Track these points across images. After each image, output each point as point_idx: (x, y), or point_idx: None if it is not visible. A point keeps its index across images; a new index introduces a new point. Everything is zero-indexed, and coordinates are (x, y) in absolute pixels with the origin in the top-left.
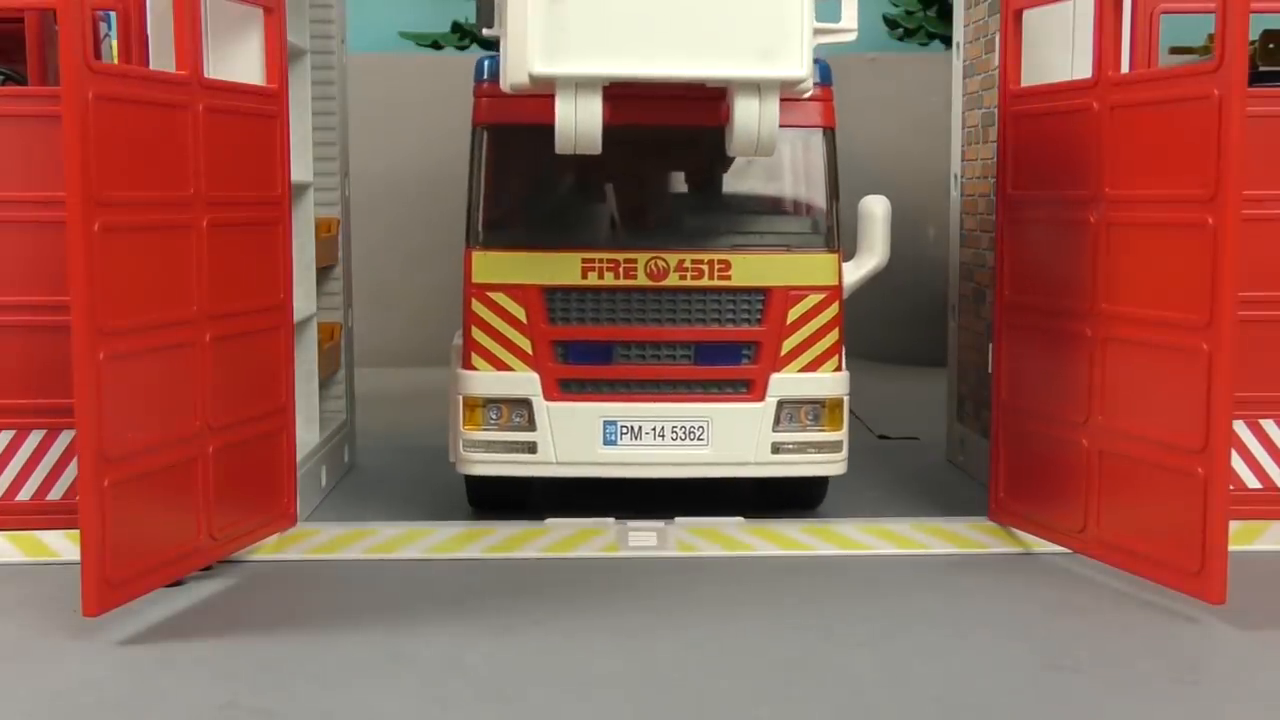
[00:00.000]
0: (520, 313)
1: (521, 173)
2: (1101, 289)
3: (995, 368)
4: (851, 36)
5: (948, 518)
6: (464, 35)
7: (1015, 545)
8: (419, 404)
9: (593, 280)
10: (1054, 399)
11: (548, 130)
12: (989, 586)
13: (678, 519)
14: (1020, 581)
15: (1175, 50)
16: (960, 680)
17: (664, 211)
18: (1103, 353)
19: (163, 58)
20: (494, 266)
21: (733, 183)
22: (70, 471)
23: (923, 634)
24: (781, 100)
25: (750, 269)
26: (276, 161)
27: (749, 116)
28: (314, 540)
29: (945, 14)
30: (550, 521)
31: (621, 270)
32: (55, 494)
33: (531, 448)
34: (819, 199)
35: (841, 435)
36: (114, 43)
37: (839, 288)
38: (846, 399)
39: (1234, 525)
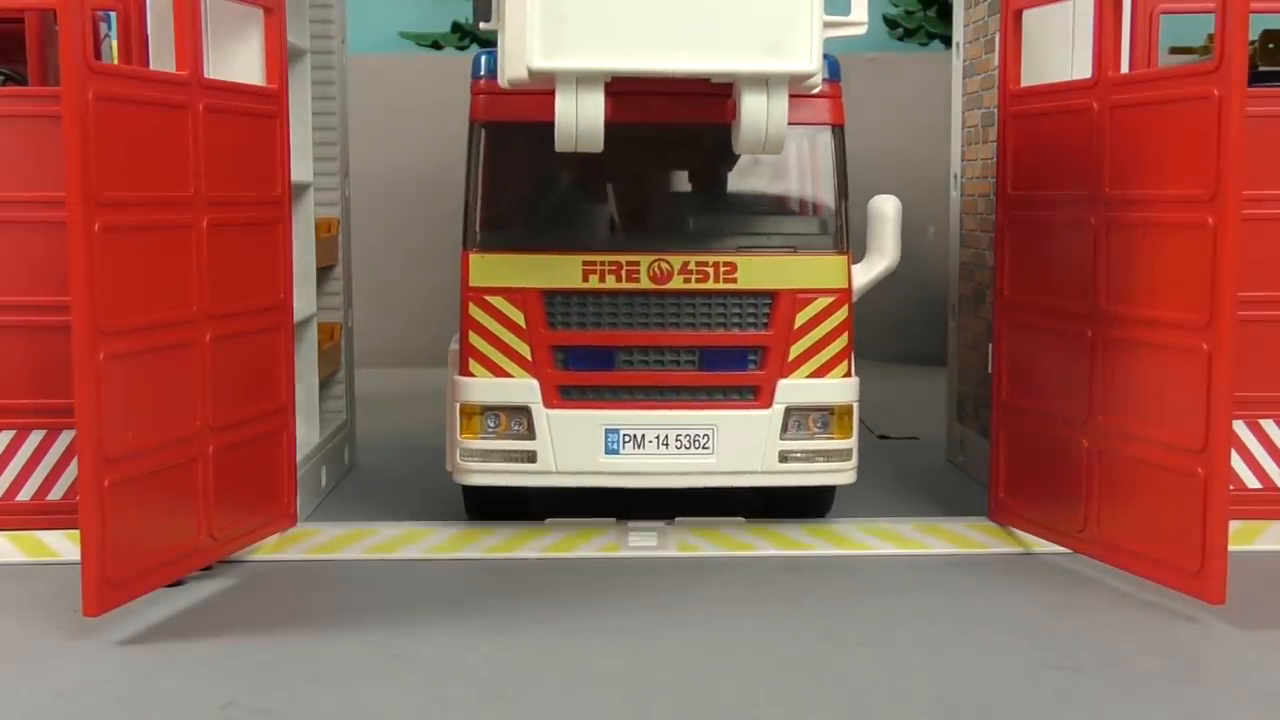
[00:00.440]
0: (519, 317)
1: (520, 172)
2: (1101, 289)
3: (995, 368)
4: (862, 30)
5: (948, 518)
6: (464, 35)
7: (1015, 545)
8: (419, 404)
9: (594, 283)
10: (1054, 399)
11: (547, 128)
12: (989, 586)
13: (678, 519)
14: (1020, 581)
15: (1175, 50)
16: (960, 680)
17: (667, 212)
18: (1103, 353)
19: (163, 58)
20: (492, 269)
21: (738, 182)
22: (70, 471)
23: (923, 633)
24: (790, 96)
25: (757, 271)
26: (276, 161)
27: (756, 113)
28: (314, 540)
29: (945, 14)
30: (550, 522)
31: (624, 273)
32: (55, 494)
33: (531, 457)
34: (827, 199)
35: (851, 443)
36: (114, 43)
37: (848, 290)
38: (856, 406)
39: (1234, 525)
